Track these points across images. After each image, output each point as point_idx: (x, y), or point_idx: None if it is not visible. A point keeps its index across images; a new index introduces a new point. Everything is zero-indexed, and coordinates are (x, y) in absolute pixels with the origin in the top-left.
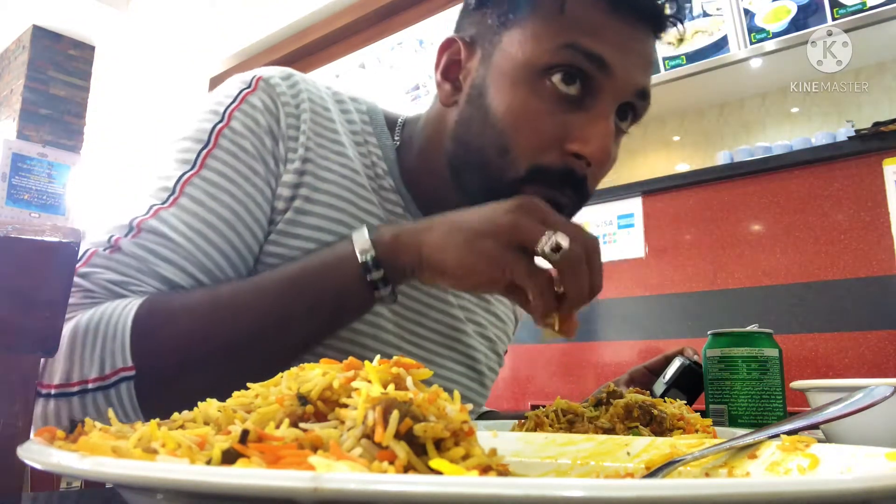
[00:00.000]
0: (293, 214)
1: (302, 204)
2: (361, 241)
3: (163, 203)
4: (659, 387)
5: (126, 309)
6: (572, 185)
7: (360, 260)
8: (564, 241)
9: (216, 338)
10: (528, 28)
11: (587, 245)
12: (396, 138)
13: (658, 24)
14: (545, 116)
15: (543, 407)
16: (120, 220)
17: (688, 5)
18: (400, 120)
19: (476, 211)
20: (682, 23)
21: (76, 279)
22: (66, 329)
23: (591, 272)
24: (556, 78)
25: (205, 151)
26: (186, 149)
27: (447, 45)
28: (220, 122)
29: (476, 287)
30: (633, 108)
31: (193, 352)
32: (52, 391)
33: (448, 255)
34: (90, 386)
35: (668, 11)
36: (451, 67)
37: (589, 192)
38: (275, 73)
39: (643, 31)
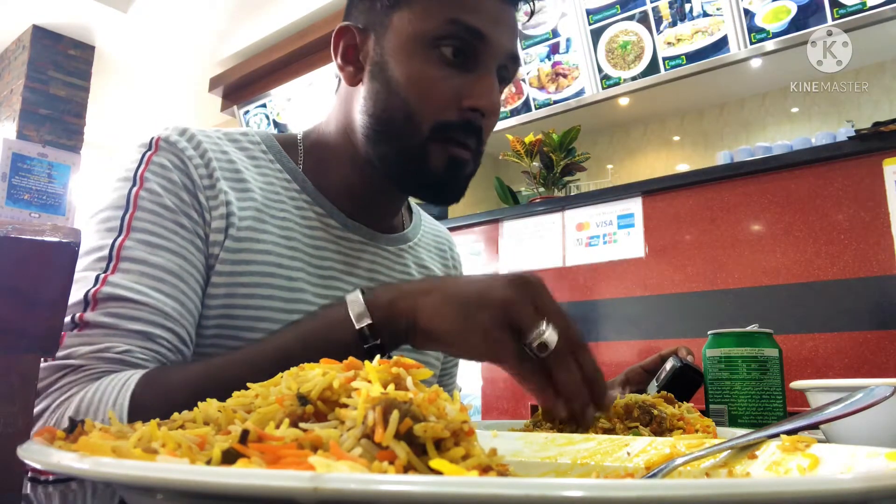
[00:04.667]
0: (226, 254)
1: (231, 243)
2: (357, 306)
3: (106, 271)
4: (651, 389)
5: (124, 388)
6: (473, 135)
7: (356, 327)
8: (552, 340)
9: None
10: (416, 7)
11: (574, 341)
12: (300, 156)
13: None
14: (439, 80)
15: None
16: (73, 297)
17: (688, 5)
18: (299, 137)
19: (473, 281)
20: None
21: (60, 362)
22: (70, 409)
23: (583, 367)
24: (445, 48)
25: (128, 216)
26: (108, 217)
27: (342, 33)
28: (134, 185)
29: (466, 357)
30: (506, 69)
31: None
32: (51, 476)
33: (442, 325)
34: None
35: None
36: (348, 52)
37: (484, 141)
38: (171, 131)
39: (508, 4)
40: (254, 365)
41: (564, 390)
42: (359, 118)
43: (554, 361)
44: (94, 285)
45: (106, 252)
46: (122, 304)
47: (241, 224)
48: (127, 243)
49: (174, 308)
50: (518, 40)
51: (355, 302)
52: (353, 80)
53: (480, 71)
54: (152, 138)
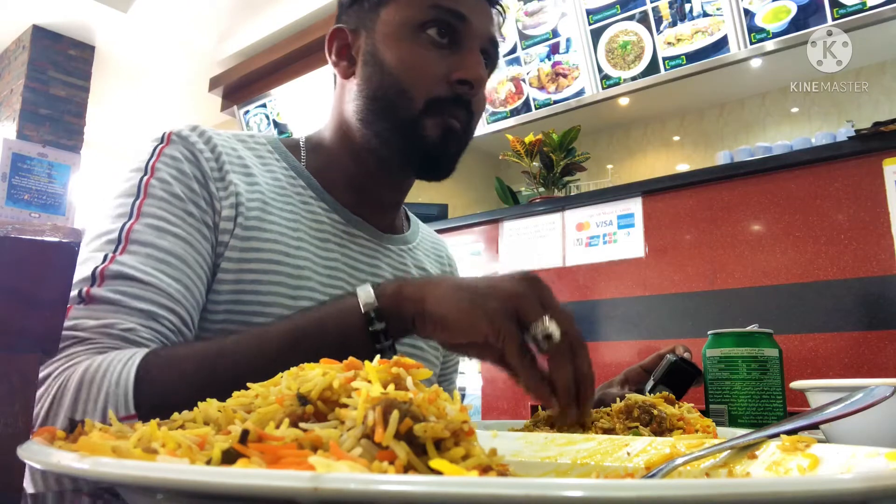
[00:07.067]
0: (235, 241)
1: (240, 231)
2: (365, 294)
3: (114, 251)
4: (648, 384)
5: (130, 360)
6: (463, 108)
7: (363, 311)
8: (556, 332)
9: (217, 385)
10: (401, 0)
11: (575, 338)
12: (303, 156)
13: None
14: (429, 60)
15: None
16: (80, 274)
17: (688, 5)
18: (301, 140)
19: (480, 277)
20: None
21: (66, 333)
22: (73, 378)
23: (576, 366)
24: (431, 31)
25: (138, 202)
26: (120, 204)
27: (335, 34)
28: (145, 175)
29: (469, 344)
30: (487, 54)
31: (194, 398)
32: None
33: (449, 310)
34: None
35: None
36: (341, 51)
37: (475, 113)
38: (183, 127)
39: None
40: (262, 343)
41: (557, 385)
42: (354, 105)
43: (553, 355)
44: (102, 263)
45: (115, 235)
46: (128, 283)
47: (249, 214)
48: (136, 227)
49: (178, 290)
50: (497, 29)
51: (364, 290)
52: (347, 73)
53: (465, 48)
54: (164, 133)
